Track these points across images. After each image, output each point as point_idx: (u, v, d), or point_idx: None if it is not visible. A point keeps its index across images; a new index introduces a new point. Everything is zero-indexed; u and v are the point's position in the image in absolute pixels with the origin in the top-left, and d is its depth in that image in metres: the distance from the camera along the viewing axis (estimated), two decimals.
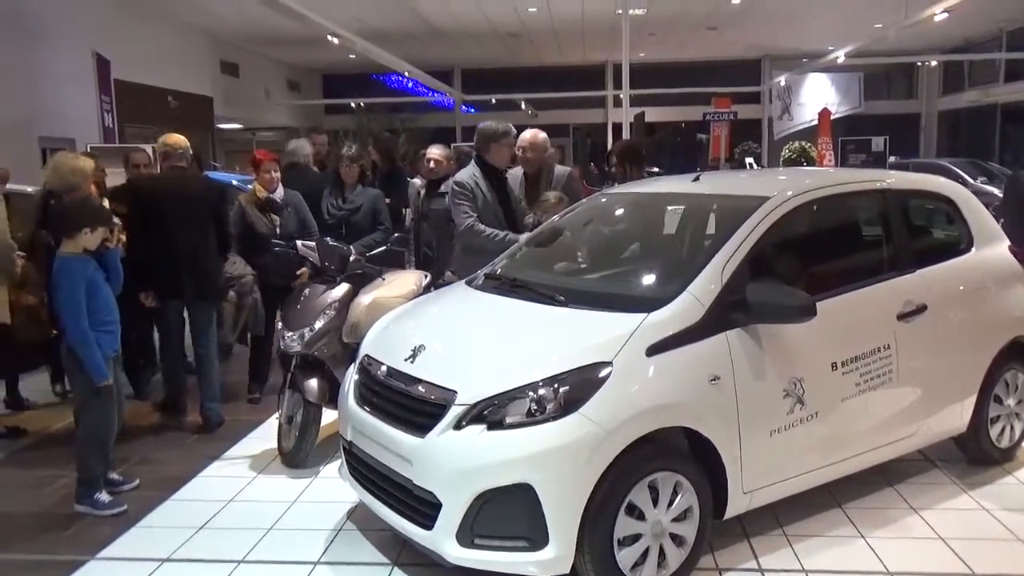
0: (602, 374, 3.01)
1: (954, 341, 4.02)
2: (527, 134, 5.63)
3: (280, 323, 4.78)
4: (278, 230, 5.47)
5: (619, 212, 4.74)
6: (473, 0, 15.74)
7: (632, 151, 6.22)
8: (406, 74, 19.69)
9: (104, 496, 4.11)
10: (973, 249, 4.28)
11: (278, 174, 5.57)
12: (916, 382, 3.86)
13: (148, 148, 7.60)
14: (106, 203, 5.41)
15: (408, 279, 5.07)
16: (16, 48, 11.59)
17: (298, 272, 5.18)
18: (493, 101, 24.75)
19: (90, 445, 4.11)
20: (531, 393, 2.98)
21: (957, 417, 4.12)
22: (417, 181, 6.68)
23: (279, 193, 5.58)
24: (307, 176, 6.59)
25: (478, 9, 16.59)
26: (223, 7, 14.96)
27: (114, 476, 4.36)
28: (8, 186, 5.78)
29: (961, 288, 4.14)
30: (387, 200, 6.06)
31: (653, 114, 22.29)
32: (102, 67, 12.94)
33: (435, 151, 6.20)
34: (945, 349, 3.96)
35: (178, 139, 5.34)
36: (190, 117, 16.87)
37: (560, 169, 5.73)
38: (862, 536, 3.65)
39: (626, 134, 14.18)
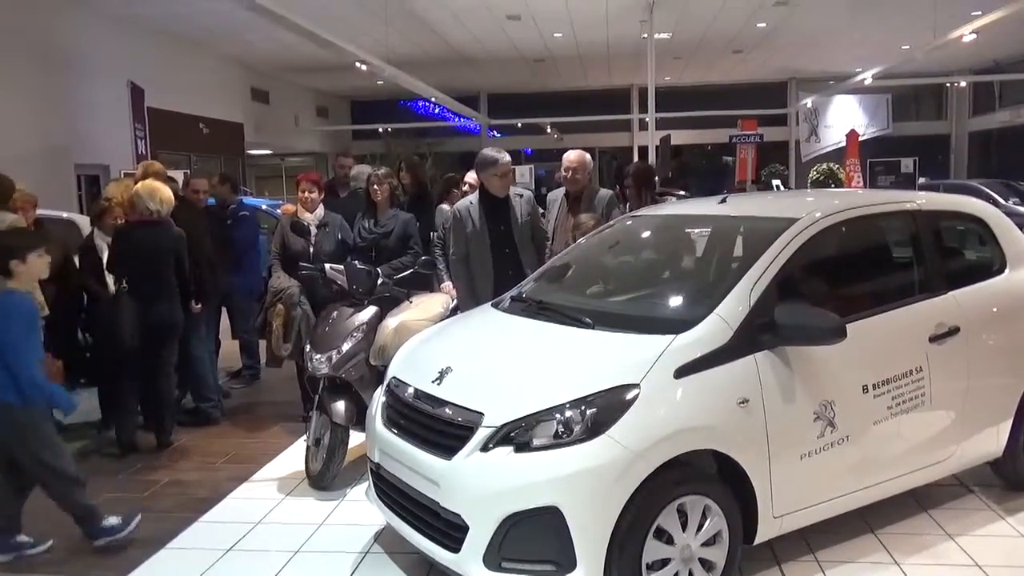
0: (629, 396, 2.99)
1: (988, 364, 3.95)
2: (572, 154, 5.65)
3: (308, 345, 4.82)
4: (311, 249, 5.55)
5: (646, 234, 4.74)
6: (499, 27, 15.90)
7: (648, 173, 6.21)
8: (433, 100, 19.89)
9: (113, 518, 3.94)
10: (1007, 271, 4.21)
11: (314, 195, 5.66)
12: (949, 405, 3.80)
13: (180, 175, 7.84)
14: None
15: (435, 302, 5.09)
16: (54, 78, 11.89)
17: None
18: (519, 125, 24.94)
19: (71, 485, 3.85)
20: (558, 415, 2.97)
21: (992, 441, 4.04)
22: (445, 207, 6.63)
23: (318, 214, 5.67)
24: (362, 201, 6.63)
25: (504, 35, 16.75)
26: (254, 36, 15.24)
27: (22, 538, 3.92)
28: (39, 211, 5.93)
29: (995, 310, 4.07)
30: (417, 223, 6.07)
31: (679, 137, 22.32)
32: (136, 96, 13.23)
33: (473, 176, 6.09)
34: (979, 372, 3.89)
35: (157, 168, 6.25)
36: (221, 143, 17.18)
37: (604, 192, 5.72)
38: (896, 563, 3.58)
39: (652, 157, 14.19)
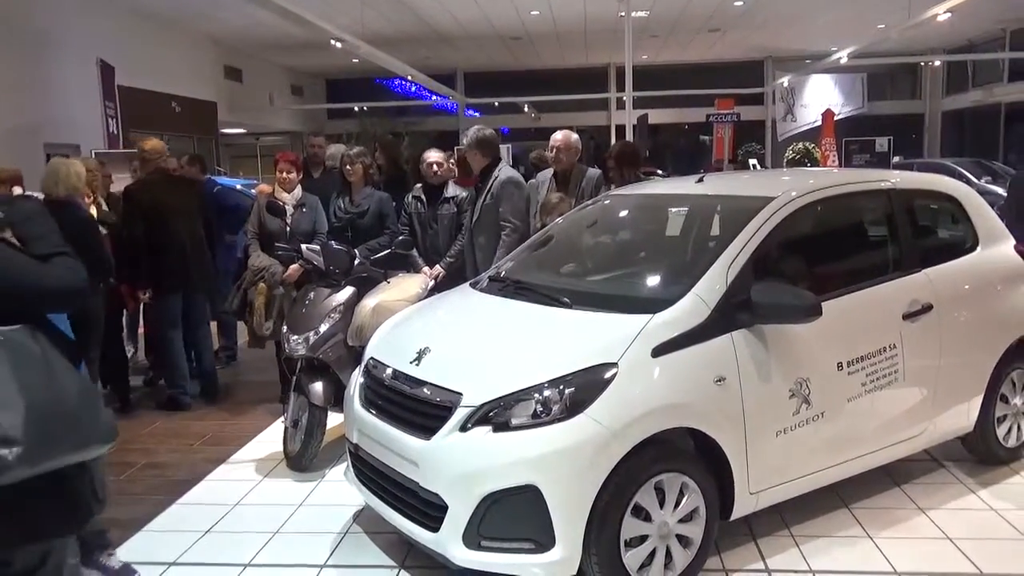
0: (607, 375, 3.01)
1: (960, 340, 4.00)
2: (559, 135, 5.71)
3: (285, 327, 4.79)
4: (288, 230, 5.50)
5: (623, 214, 4.74)
6: (475, 4, 15.77)
7: (628, 154, 6.13)
8: (409, 78, 19.72)
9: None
10: (979, 248, 4.27)
11: (292, 175, 5.61)
12: (922, 382, 3.85)
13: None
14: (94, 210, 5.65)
15: (412, 282, 5.07)
16: (22, 56, 11.64)
17: (284, 275, 5.32)
18: (496, 104, 24.82)
19: None
20: (536, 395, 2.98)
21: (964, 417, 4.11)
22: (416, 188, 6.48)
23: (296, 194, 5.62)
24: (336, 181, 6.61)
25: (481, 13, 16.62)
26: (227, 13, 14.99)
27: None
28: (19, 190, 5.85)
29: (967, 287, 4.13)
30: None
31: (656, 116, 22.33)
32: (106, 74, 13.00)
33: (435, 155, 5.82)
34: (951, 348, 3.95)
35: (155, 144, 6.09)
36: (194, 122, 16.92)
37: (592, 171, 5.73)
38: (869, 537, 3.64)
39: (629, 136, 14.18)
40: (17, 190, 5.69)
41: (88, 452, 2.07)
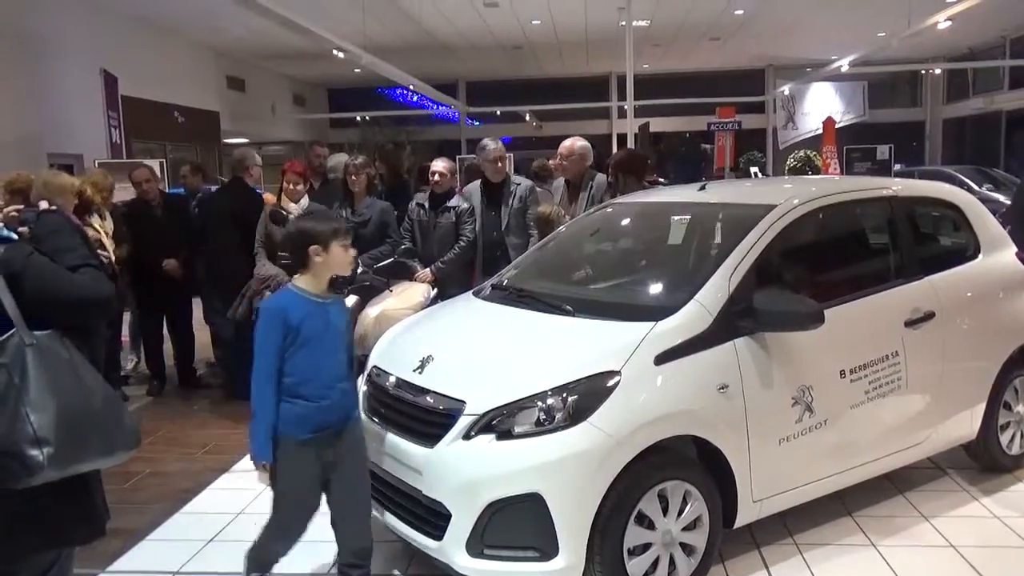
0: (610, 383, 3.01)
1: (962, 348, 4.01)
2: (566, 142, 5.92)
3: None
4: None
5: (626, 222, 4.75)
6: (477, 13, 15.83)
7: (627, 161, 6.08)
8: (411, 87, 19.77)
9: None
10: (980, 256, 4.28)
11: (300, 186, 5.64)
12: (925, 389, 3.85)
13: (156, 164, 7.98)
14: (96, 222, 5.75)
15: (415, 291, 5.09)
16: (25, 66, 11.69)
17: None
18: (498, 113, 24.86)
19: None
20: (540, 403, 2.98)
21: (966, 424, 4.11)
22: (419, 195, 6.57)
23: (303, 203, 5.65)
24: (336, 191, 6.68)
25: (482, 22, 16.67)
26: (229, 23, 15.04)
27: None
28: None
29: (969, 295, 4.13)
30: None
31: (658, 124, 22.37)
32: (110, 83, 13.05)
33: (439, 164, 5.88)
34: (954, 356, 3.95)
35: (243, 152, 6.87)
36: (197, 132, 16.97)
37: (600, 177, 5.85)
38: (873, 544, 3.63)
39: (631, 145, 14.18)
40: (43, 204, 5.74)
41: (114, 457, 2.10)
